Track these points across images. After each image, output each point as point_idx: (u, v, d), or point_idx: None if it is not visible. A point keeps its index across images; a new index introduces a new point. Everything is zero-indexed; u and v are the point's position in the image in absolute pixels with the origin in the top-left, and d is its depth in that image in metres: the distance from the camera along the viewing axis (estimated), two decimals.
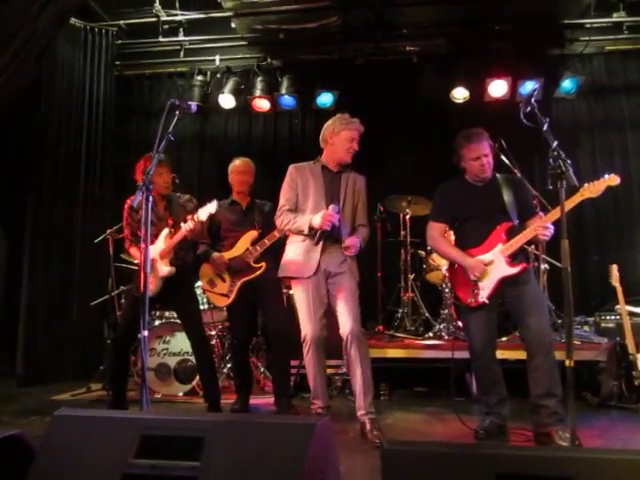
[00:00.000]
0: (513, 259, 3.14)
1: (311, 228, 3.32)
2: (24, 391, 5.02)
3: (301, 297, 3.40)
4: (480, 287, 3.15)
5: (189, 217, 3.59)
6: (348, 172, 3.54)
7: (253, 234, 3.99)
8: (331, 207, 3.30)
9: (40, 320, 5.46)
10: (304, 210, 3.44)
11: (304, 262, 3.38)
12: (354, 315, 3.29)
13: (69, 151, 5.78)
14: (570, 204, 2.95)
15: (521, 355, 4.08)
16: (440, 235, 3.40)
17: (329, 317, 3.44)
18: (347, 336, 3.26)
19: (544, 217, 3.14)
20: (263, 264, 3.92)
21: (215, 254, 4.01)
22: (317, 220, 3.27)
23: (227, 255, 4.00)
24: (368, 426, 3.19)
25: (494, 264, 3.14)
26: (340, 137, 3.43)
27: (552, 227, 3.04)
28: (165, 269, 3.67)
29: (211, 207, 3.56)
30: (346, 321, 3.28)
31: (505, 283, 3.14)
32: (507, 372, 3.35)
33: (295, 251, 3.45)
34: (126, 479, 1.48)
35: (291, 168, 3.59)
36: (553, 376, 3.00)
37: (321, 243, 3.36)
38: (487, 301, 3.13)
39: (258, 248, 3.92)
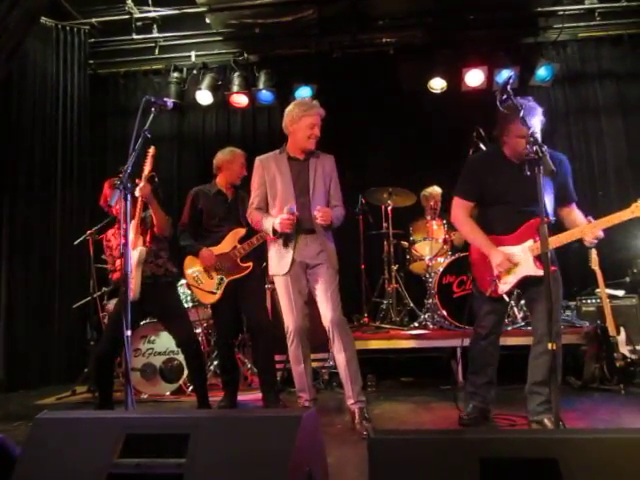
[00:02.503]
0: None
1: (275, 231, 3.29)
2: (6, 396, 4.94)
3: (281, 291, 3.38)
4: (502, 281, 3.02)
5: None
6: (316, 157, 3.43)
7: (240, 232, 3.94)
8: (286, 209, 3.24)
9: (21, 324, 5.39)
10: (274, 206, 3.39)
11: (279, 259, 3.36)
12: (334, 304, 3.26)
13: (45, 151, 5.70)
14: (615, 220, 2.87)
15: (510, 342, 4.16)
16: (466, 215, 3.14)
17: (313, 309, 3.44)
18: (329, 326, 3.26)
19: (592, 223, 2.94)
20: (250, 264, 3.88)
21: (205, 249, 3.90)
22: (277, 225, 3.25)
23: (215, 251, 3.91)
24: (357, 416, 3.18)
25: (521, 261, 2.97)
26: (300, 125, 3.33)
27: (602, 235, 2.90)
28: (135, 252, 3.53)
29: (151, 152, 3.49)
30: (326, 311, 3.27)
31: (528, 280, 2.99)
32: (506, 358, 3.36)
33: (272, 248, 3.43)
34: (112, 479, 1.47)
35: (257, 162, 3.50)
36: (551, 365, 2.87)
37: (292, 241, 3.31)
38: (506, 298, 3.03)
39: (246, 247, 3.87)
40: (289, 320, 3.34)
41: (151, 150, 3.48)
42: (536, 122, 2.89)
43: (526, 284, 3.03)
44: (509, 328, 4.35)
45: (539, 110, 2.95)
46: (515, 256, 2.97)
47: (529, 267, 2.95)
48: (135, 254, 3.53)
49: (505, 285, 3.01)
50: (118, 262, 3.72)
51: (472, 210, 3.18)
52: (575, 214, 3.14)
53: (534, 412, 2.98)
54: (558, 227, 3.11)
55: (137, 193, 3.40)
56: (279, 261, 3.35)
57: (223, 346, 4.11)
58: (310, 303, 3.41)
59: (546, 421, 2.91)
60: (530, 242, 2.95)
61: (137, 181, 3.43)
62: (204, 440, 1.48)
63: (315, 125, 3.33)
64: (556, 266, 2.98)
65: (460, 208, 3.15)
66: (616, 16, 5.81)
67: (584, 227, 2.94)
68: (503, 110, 2.80)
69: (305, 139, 3.34)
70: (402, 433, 1.66)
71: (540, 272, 2.82)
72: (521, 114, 2.68)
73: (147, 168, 3.48)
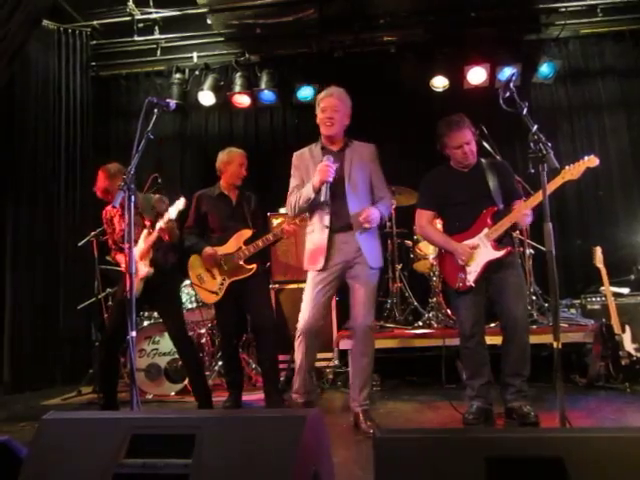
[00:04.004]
0: (499, 243, 3.20)
1: (315, 188, 3.15)
2: (13, 398, 4.97)
3: (307, 286, 3.30)
4: (467, 271, 3.22)
5: (159, 218, 3.58)
6: (352, 147, 3.34)
7: (247, 233, 3.92)
8: (325, 158, 3.17)
9: (26, 326, 5.41)
10: None
11: (313, 255, 3.27)
12: (366, 308, 3.19)
13: (48, 153, 5.73)
14: (552, 187, 2.99)
15: None
16: (428, 222, 3.45)
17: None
18: (356, 328, 3.23)
19: (526, 202, 3.18)
20: (254, 266, 3.88)
21: (208, 248, 3.89)
22: (316, 178, 3.14)
23: (219, 251, 3.91)
24: (361, 416, 3.19)
25: (480, 248, 3.21)
26: (318, 110, 3.31)
27: (530, 214, 3.13)
28: (143, 270, 3.62)
29: (179, 204, 3.53)
30: (356, 313, 3.21)
31: (491, 266, 3.20)
32: (496, 357, 3.36)
33: (308, 243, 3.35)
34: (118, 479, 1.47)
35: (293, 156, 3.45)
36: (523, 358, 3.18)
37: (327, 232, 3.19)
38: (474, 285, 3.20)
39: (251, 249, 3.86)
40: (302, 317, 3.25)
41: (181, 204, 3.55)
42: (466, 133, 3.26)
43: (491, 274, 3.22)
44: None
45: (466, 122, 3.28)
46: (474, 244, 3.22)
47: (488, 252, 3.20)
48: (144, 270, 3.62)
49: (471, 275, 3.21)
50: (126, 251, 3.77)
51: (433, 218, 3.51)
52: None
53: (508, 400, 3.21)
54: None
55: (157, 228, 3.54)
56: (313, 256, 3.25)
57: (227, 346, 4.11)
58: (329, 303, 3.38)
59: (517, 408, 3.14)
60: (485, 230, 3.22)
61: (146, 223, 3.58)
62: (210, 440, 1.48)
63: (326, 108, 3.27)
64: (512, 247, 3.30)
65: (422, 217, 3.46)
66: (618, 12, 5.79)
67: (515, 209, 3.20)
68: (505, 107, 2.81)
69: (322, 126, 3.31)
70: (408, 432, 1.66)
71: (498, 253, 3.17)
72: (451, 129, 3.24)
73: (168, 216, 3.54)
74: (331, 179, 3.12)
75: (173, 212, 3.52)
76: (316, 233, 3.27)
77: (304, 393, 3.29)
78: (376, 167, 3.37)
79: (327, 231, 3.21)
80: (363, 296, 3.21)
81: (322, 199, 3.14)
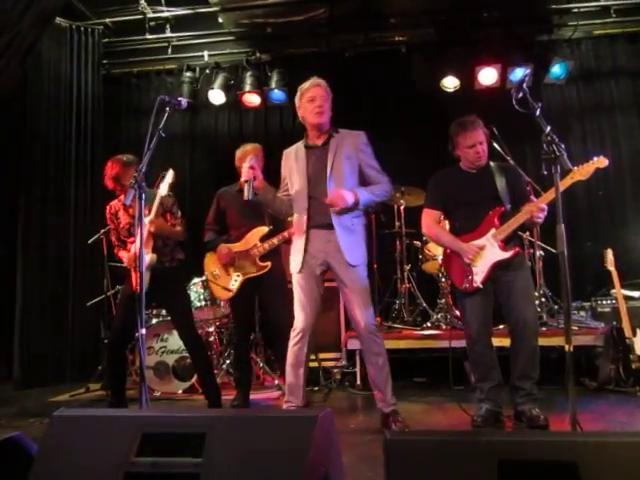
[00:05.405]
0: (506, 243, 3.18)
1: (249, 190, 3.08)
2: (22, 394, 5.00)
3: (295, 290, 3.26)
4: (474, 272, 3.19)
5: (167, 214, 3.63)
6: (337, 138, 3.21)
7: (263, 230, 3.92)
8: (248, 159, 3.15)
9: (36, 322, 5.43)
10: (294, 200, 3.26)
11: (293, 258, 3.25)
12: (363, 311, 3.12)
13: (58, 151, 5.74)
14: (561, 187, 2.97)
15: None
16: (434, 222, 3.43)
17: (324, 310, 3.38)
18: (359, 333, 3.18)
19: (537, 199, 3.16)
20: (269, 263, 3.87)
21: (222, 246, 3.92)
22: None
23: (234, 248, 3.93)
24: (391, 417, 3.14)
25: (487, 248, 3.19)
26: (303, 103, 3.22)
27: (546, 208, 3.08)
28: (146, 257, 3.49)
29: (168, 178, 3.52)
30: (355, 317, 3.15)
31: (499, 267, 3.18)
32: (505, 359, 3.34)
33: (292, 246, 3.34)
34: (128, 478, 1.47)
35: (283, 154, 3.40)
36: (532, 361, 3.16)
37: (304, 235, 3.13)
38: (481, 286, 3.18)
39: (266, 246, 3.86)
40: (298, 319, 3.20)
41: (170, 177, 3.53)
42: (480, 133, 3.26)
43: (498, 276, 3.20)
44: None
45: (480, 122, 3.28)
46: (481, 244, 3.20)
47: (496, 252, 3.18)
48: (147, 258, 3.55)
49: (478, 275, 3.19)
50: (129, 246, 3.77)
51: (439, 218, 3.49)
52: None
53: (517, 403, 3.21)
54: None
55: (147, 224, 3.46)
56: (294, 258, 3.24)
57: (240, 342, 4.10)
58: (322, 301, 3.31)
59: (527, 410, 3.12)
60: (493, 230, 3.20)
61: (145, 212, 3.44)
62: (221, 439, 1.48)
63: (315, 97, 3.18)
64: (519, 247, 3.27)
65: (428, 217, 3.44)
66: (631, 13, 5.73)
67: (527, 206, 3.15)
68: (518, 108, 2.79)
69: (311, 116, 3.19)
70: (419, 433, 1.65)
71: (506, 254, 3.15)
72: (465, 128, 3.23)
73: (160, 193, 3.53)
74: (250, 177, 3.05)
75: (164, 188, 3.51)
76: (296, 233, 3.24)
77: (302, 399, 3.18)
78: (366, 156, 3.24)
79: (304, 233, 3.15)
80: (357, 299, 3.13)
81: (244, 197, 3.08)
